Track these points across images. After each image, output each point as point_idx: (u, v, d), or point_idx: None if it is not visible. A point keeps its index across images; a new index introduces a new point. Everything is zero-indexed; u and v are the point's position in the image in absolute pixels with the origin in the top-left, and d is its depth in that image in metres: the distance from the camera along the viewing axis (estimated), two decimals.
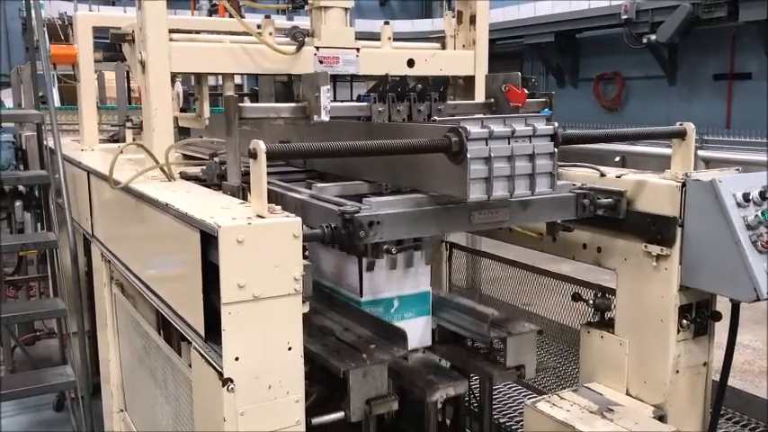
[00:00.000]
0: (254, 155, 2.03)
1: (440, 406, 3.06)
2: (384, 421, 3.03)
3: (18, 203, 5.64)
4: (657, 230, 2.68)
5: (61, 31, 9.45)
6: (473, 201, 2.28)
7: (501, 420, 4.52)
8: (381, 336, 2.85)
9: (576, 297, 3.28)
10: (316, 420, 2.47)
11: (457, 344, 3.24)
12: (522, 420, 3.36)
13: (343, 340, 2.85)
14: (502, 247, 3.70)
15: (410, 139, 2.32)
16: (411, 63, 3.46)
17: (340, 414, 2.55)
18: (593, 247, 2.95)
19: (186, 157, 3.66)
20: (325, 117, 2.62)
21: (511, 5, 18.36)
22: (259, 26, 3.18)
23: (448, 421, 3.27)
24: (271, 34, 3.12)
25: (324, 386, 2.71)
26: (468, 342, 3.22)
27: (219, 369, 1.99)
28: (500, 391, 5.00)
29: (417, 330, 3.18)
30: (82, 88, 4.22)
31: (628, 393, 2.86)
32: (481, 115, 2.60)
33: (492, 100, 3.11)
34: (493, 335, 2.99)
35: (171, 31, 2.98)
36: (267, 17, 3.15)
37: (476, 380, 3.33)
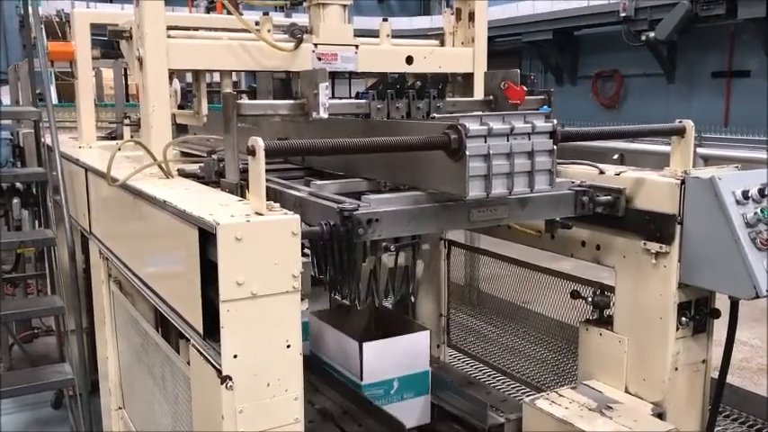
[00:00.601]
0: (252, 152, 2.02)
1: None
2: None
3: (16, 201, 5.62)
4: (656, 228, 2.68)
5: (59, 28, 9.41)
6: (472, 198, 2.27)
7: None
8: (380, 423, 2.90)
9: (575, 294, 3.27)
10: None
11: (455, 422, 3.30)
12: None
13: (342, 428, 2.90)
14: (500, 245, 3.69)
15: (409, 137, 2.31)
16: (410, 60, 3.45)
17: None
18: (592, 245, 2.95)
19: (184, 154, 3.65)
20: (323, 114, 2.61)
21: (509, 3, 18.33)
22: (257, 23, 3.17)
23: None
24: (269, 31, 3.11)
25: None
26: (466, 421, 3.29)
27: (218, 367, 1.99)
28: (498, 388, 4.99)
29: (416, 410, 3.29)
30: (79, 85, 4.20)
31: (627, 391, 2.86)
32: (480, 112, 2.59)
33: (491, 97, 3.10)
34: (491, 421, 3.08)
35: (168, 28, 2.97)
36: (265, 14, 3.14)
37: None
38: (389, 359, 3.21)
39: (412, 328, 3.49)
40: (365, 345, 3.14)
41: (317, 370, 3.33)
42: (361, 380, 3.14)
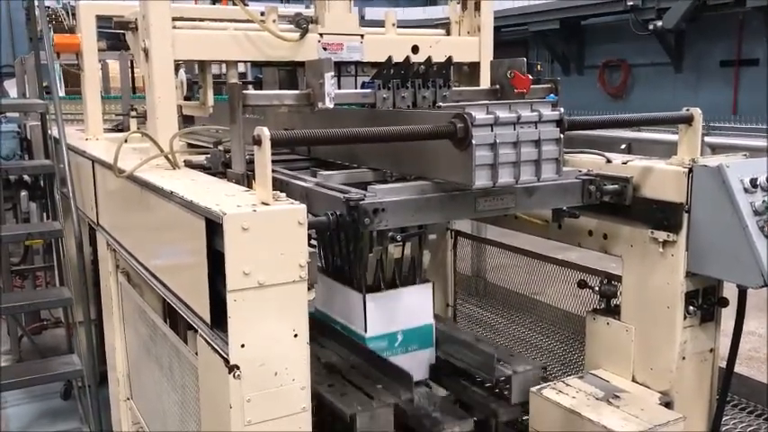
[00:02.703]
0: (258, 142, 2.02)
1: None
2: None
3: (23, 193, 5.66)
4: (664, 216, 2.67)
5: (66, 18, 9.41)
6: (478, 187, 2.27)
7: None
8: (387, 376, 2.89)
9: (582, 284, 3.26)
10: None
11: (461, 377, 3.28)
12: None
13: (350, 380, 2.89)
14: (508, 235, 3.69)
15: (415, 126, 2.31)
16: (415, 49, 3.44)
17: None
18: (599, 234, 2.94)
19: (191, 145, 3.65)
20: (329, 104, 2.60)
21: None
22: (262, 13, 3.16)
23: None
24: (274, 21, 3.11)
25: (330, 428, 2.77)
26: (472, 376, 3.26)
27: (225, 356, 1.99)
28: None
29: (421, 363, 3.27)
30: (86, 78, 4.21)
31: (634, 380, 2.86)
32: (486, 101, 2.58)
33: (497, 86, 3.09)
34: (498, 373, 3.05)
35: (174, 19, 2.97)
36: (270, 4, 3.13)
37: None
38: (393, 310, 3.21)
39: (415, 281, 3.43)
40: (369, 297, 3.13)
41: (322, 327, 3.32)
42: (366, 332, 3.14)
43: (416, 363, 3.24)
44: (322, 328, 3.32)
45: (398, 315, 3.22)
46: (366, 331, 3.14)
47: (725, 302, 2.78)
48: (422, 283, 3.32)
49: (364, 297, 3.12)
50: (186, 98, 3.53)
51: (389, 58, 2.81)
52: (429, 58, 2.86)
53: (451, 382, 3.28)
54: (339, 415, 2.67)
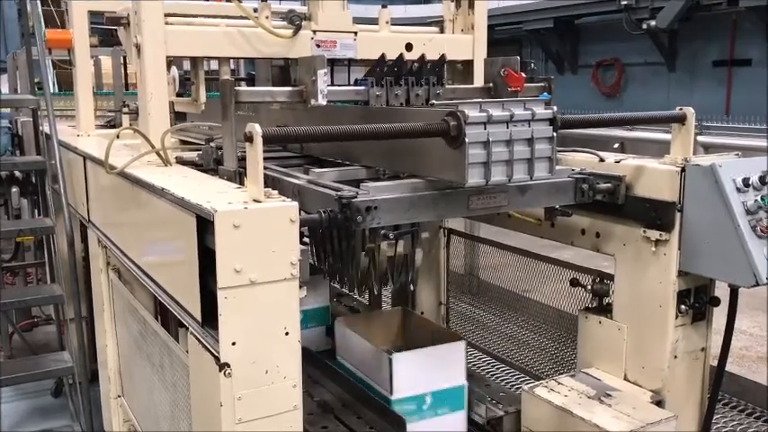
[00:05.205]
0: (249, 138, 2.01)
1: None
2: None
3: (14, 189, 5.61)
4: (656, 216, 2.67)
5: (57, 16, 9.37)
6: (471, 185, 2.26)
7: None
8: (380, 417, 2.86)
9: (575, 282, 3.27)
10: None
11: None
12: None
13: (343, 421, 2.86)
14: (500, 234, 3.69)
15: (408, 124, 2.30)
16: (409, 47, 3.43)
17: None
18: (592, 233, 2.94)
19: (183, 142, 3.64)
20: (322, 101, 2.60)
21: None
22: (256, 10, 3.15)
23: None
24: (267, 18, 3.10)
25: None
26: None
27: (216, 354, 1.98)
28: (498, 377, 5.01)
29: (452, 427, 3.07)
30: (78, 73, 4.19)
31: (626, 379, 2.86)
32: (479, 99, 2.58)
33: (491, 84, 3.09)
34: (490, 414, 3.05)
35: (166, 15, 2.96)
36: (264, 0, 3.12)
37: None
38: (422, 372, 3.02)
39: (445, 337, 3.27)
40: (396, 356, 2.94)
41: (339, 378, 3.21)
42: (391, 394, 2.94)
43: (448, 427, 3.03)
44: (314, 362, 3.29)
45: (427, 375, 3.03)
46: (392, 393, 2.94)
47: (717, 301, 2.79)
48: (454, 340, 3.16)
49: (390, 357, 2.96)
50: (178, 94, 3.51)
51: (382, 56, 2.81)
52: (422, 56, 2.86)
53: None
54: None
